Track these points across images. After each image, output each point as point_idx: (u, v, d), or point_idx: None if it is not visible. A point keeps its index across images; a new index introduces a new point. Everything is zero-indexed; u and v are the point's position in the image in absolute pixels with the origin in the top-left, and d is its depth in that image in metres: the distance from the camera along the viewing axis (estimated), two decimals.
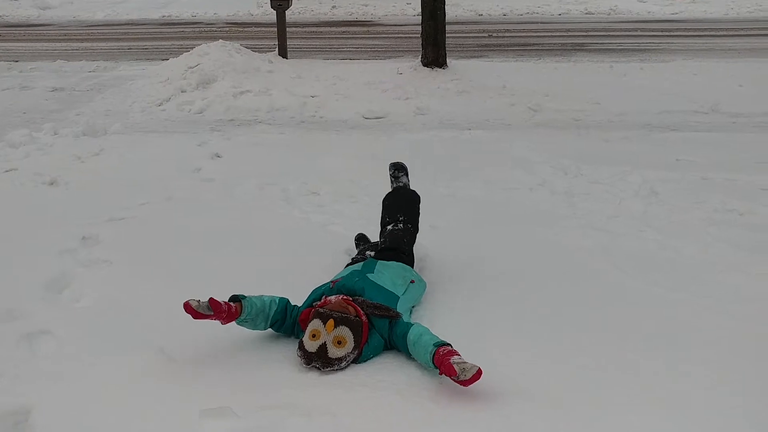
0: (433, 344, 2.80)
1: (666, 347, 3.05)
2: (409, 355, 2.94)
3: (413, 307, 3.38)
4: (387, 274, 3.35)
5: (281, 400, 2.65)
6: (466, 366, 2.63)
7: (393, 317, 3.02)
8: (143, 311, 3.34)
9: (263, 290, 3.25)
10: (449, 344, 2.82)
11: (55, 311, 3.34)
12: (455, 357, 2.70)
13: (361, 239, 4.16)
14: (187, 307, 2.82)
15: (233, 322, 2.96)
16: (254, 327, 3.05)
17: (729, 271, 3.83)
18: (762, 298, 3.51)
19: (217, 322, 2.92)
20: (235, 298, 2.98)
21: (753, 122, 7.47)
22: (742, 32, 14.54)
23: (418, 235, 4.22)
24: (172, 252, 4.06)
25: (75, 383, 2.76)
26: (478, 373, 2.61)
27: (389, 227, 3.75)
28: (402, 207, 3.83)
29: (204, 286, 3.52)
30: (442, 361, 2.70)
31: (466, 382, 2.62)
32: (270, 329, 3.10)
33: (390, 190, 4.02)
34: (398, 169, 4.08)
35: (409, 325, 3.00)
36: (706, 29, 14.98)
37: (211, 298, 2.87)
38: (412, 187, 4.02)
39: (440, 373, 2.72)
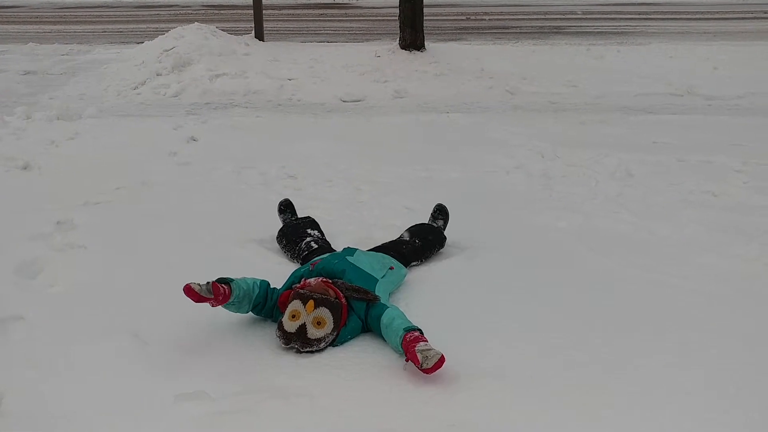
0: (403, 329, 2.80)
1: (640, 327, 3.08)
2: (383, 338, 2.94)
3: (392, 291, 3.37)
4: (366, 259, 3.36)
5: (258, 384, 2.64)
6: (430, 354, 2.62)
7: (371, 300, 3.02)
8: (118, 296, 3.31)
9: (242, 274, 3.25)
10: (419, 329, 2.82)
11: (29, 296, 3.30)
12: (420, 344, 2.69)
13: (287, 206, 4.14)
14: (189, 290, 2.76)
15: (221, 306, 2.93)
16: (238, 310, 3.02)
17: (704, 251, 3.86)
18: (736, 278, 3.55)
19: (207, 305, 2.86)
20: (224, 281, 2.93)
21: (728, 105, 7.55)
22: (717, 15, 14.66)
23: (394, 218, 4.24)
24: (148, 237, 4.02)
25: (48, 369, 2.73)
26: (441, 361, 2.60)
27: (404, 237, 3.80)
28: (423, 234, 3.83)
29: (180, 271, 3.50)
30: (408, 348, 2.70)
31: (428, 371, 2.61)
32: (251, 312, 3.08)
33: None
34: (441, 212, 4.08)
35: (385, 307, 3.00)
36: (682, 12, 15.08)
37: (213, 282, 2.83)
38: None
39: (406, 360, 2.72)
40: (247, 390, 2.60)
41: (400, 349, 2.77)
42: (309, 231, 3.84)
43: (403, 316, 2.93)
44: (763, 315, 3.20)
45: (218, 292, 2.83)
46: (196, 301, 2.79)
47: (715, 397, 2.61)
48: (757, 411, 2.54)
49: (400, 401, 2.57)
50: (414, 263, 3.68)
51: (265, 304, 3.07)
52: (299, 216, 4.11)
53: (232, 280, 2.95)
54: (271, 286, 3.12)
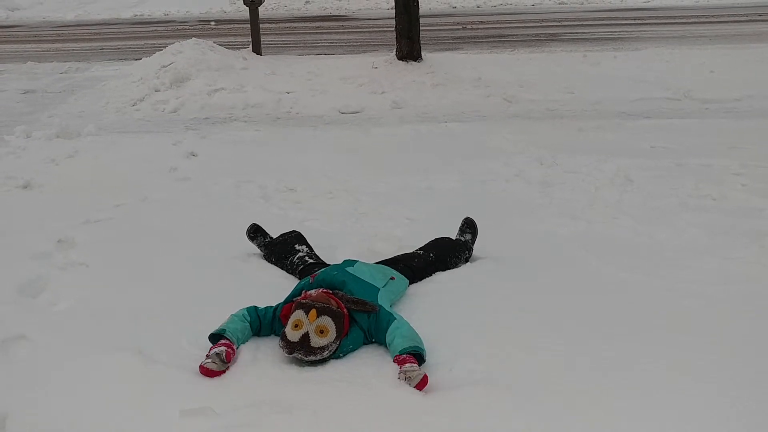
0: (399, 351, 2.84)
1: (641, 331, 3.08)
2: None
3: (394, 301, 3.37)
4: (366, 269, 3.36)
5: (261, 398, 2.64)
6: (413, 374, 2.70)
7: (369, 311, 3.02)
8: (121, 313, 3.31)
9: (245, 288, 3.26)
10: (415, 349, 2.84)
11: (31, 315, 3.30)
12: (406, 366, 2.76)
13: (257, 231, 4.03)
14: (206, 371, 2.77)
15: None
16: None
17: (704, 255, 3.87)
18: (737, 281, 3.55)
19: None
20: (219, 336, 2.92)
21: (725, 108, 7.56)
22: (712, 19, 14.69)
23: (395, 229, 4.24)
24: (149, 253, 4.02)
25: (52, 388, 2.73)
26: (424, 380, 2.68)
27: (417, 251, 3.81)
28: (441, 248, 3.84)
29: (182, 287, 3.51)
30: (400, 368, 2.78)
31: (417, 386, 2.68)
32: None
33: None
34: (469, 225, 4.06)
35: (390, 320, 3.00)
36: (677, 17, 15.11)
37: (226, 351, 2.81)
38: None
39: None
40: (250, 404, 2.60)
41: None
42: (297, 246, 3.82)
43: (405, 333, 2.93)
44: (764, 317, 3.20)
45: (229, 357, 2.83)
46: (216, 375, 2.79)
47: (716, 399, 2.61)
48: (759, 414, 2.54)
49: (402, 412, 2.57)
50: (427, 276, 3.67)
51: (261, 325, 3.08)
52: (272, 235, 4.01)
53: (224, 330, 2.93)
54: (260, 307, 3.12)
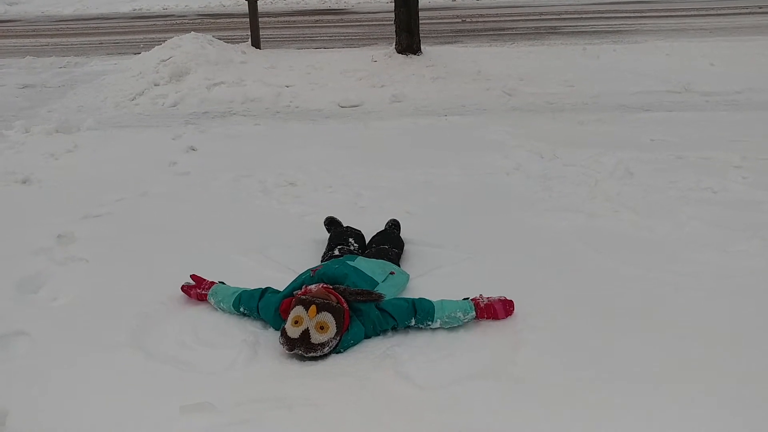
0: (463, 299, 3.14)
1: (644, 328, 3.07)
2: (417, 325, 3.05)
3: (397, 295, 3.37)
4: (366, 264, 3.38)
5: (262, 394, 2.64)
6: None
7: (375, 300, 3.03)
8: (121, 309, 3.30)
9: (243, 283, 3.28)
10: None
11: (31, 311, 3.30)
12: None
13: (331, 222, 4.18)
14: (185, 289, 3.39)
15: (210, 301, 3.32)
16: (223, 306, 3.25)
17: (705, 248, 3.86)
18: (738, 275, 3.54)
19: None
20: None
21: (725, 100, 7.55)
22: (713, 12, 14.67)
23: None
24: (149, 248, 4.02)
25: (52, 384, 2.73)
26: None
27: (374, 247, 3.81)
28: (391, 240, 3.88)
29: (181, 282, 3.51)
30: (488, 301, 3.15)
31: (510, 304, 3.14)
32: (243, 309, 3.21)
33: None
34: (394, 226, 4.15)
35: (426, 300, 3.12)
36: (677, 9, 15.09)
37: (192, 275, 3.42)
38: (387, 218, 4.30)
39: (488, 306, 3.12)
40: (251, 400, 2.60)
41: (469, 308, 3.08)
42: (349, 240, 3.86)
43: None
44: (766, 311, 3.20)
45: (201, 281, 3.38)
46: (192, 293, 3.36)
47: (717, 396, 2.60)
48: (760, 411, 2.53)
49: (403, 408, 2.56)
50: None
51: (249, 299, 3.18)
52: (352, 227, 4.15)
53: (219, 284, 3.38)
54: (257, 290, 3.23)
